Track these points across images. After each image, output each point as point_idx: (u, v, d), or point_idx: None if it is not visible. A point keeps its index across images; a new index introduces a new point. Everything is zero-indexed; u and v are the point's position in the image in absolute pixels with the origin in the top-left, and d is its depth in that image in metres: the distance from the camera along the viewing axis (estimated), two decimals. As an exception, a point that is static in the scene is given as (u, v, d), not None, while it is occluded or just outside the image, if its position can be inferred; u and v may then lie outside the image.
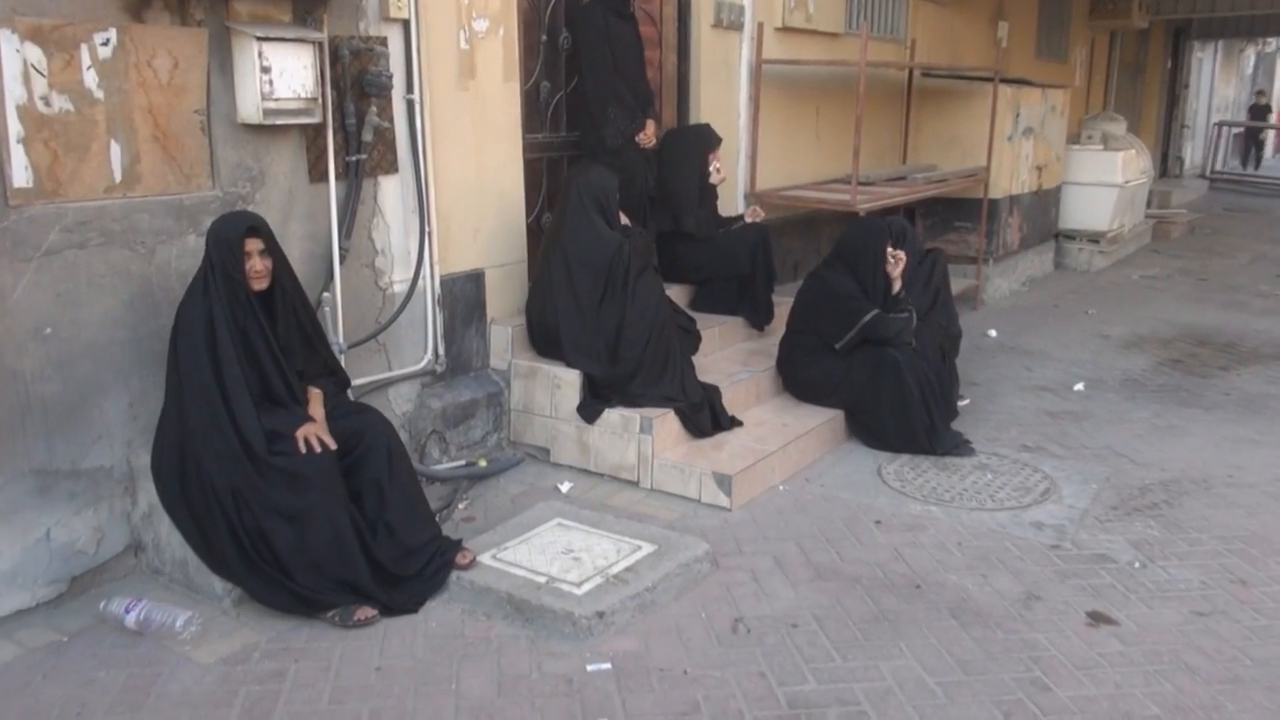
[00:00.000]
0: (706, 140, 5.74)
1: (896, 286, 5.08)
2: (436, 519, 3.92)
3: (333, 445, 3.39)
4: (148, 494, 3.53)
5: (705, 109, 6.19)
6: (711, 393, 4.78)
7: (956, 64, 8.90)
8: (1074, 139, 10.37)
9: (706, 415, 4.70)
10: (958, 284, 7.41)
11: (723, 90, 6.37)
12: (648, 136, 5.37)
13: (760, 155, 6.61)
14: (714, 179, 5.72)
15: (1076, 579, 3.73)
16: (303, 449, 3.33)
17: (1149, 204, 12.23)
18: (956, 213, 8.44)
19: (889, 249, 5.07)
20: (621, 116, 5.23)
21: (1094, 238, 10.10)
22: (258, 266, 3.36)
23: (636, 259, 4.63)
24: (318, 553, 3.29)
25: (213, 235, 3.37)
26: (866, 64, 6.15)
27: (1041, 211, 9.44)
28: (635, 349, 4.55)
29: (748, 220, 5.89)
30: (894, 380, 4.89)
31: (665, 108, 6.07)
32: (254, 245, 3.36)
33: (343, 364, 4.05)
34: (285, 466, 3.28)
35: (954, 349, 5.43)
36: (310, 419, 3.42)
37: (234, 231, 3.34)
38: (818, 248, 7.47)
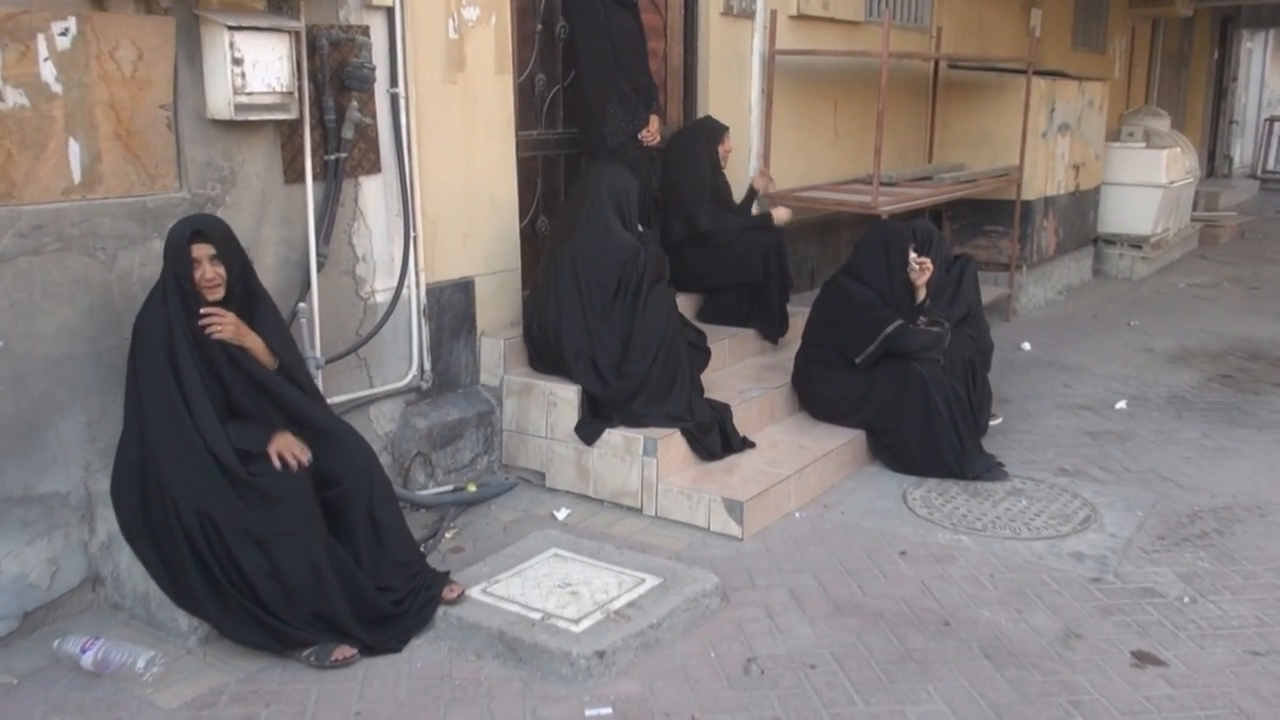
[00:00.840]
0: (712, 131, 5.75)
1: (921, 296, 5.07)
2: (422, 549, 3.90)
3: (307, 457, 3.38)
4: (107, 522, 3.51)
5: (714, 104, 6.20)
6: (721, 412, 4.77)
7: (986, 55, 8.92)
8: (1114, 136, 10.37)
9: (716, 436, 4.68)
10: (988, 293, 7.40)
11: (733, 83, 6.38)
12: (651, 134, 5.37)
13: (774, 154, 6.61)
14: (725, 161, 5.79)
15: (1120, 615, 3.71)
16: (276, 464, 3.32)
17: (1195, 206, 12.23)
18: (987, 216, 8.43)
19: (912, 255, 5.06)
20: (622, 112, 5.24)
21: (1136, 243, 10.09)
22: (208, 274, 3.34)
23: (652, 267, 4.64)
24: (292, 582, 3.27)
25: (166, 241, 3.39)
26: (889, 55, 6.16)
27: (1079, 214, 9.44)
28: (642, 363, 4.55)
29: (755, 187, 5.94)
30: (920, 398, 4.87)
31: (670, 103, 6.08)
32: (202, 251, 3.34)
33: (319, 381, 4.05)
34: (257, 486, 3.27)
35: (985, 364, 5.41)
36: (280, 430, 3.41)
37: (178, 237, 3.35)
38: (836, 253, 7.47)
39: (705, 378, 5.00)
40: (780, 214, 5.89)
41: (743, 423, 4.91)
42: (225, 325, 3.36)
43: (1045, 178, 8.54)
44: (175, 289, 3.32)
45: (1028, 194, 8.31)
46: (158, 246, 3.61)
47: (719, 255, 5.68)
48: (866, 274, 5.11)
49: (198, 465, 3.24)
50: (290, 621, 3.28)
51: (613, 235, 4.64)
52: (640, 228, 4.88)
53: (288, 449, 3.37)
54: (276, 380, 3.47)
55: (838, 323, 5.08)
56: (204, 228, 3.36)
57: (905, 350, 4.92)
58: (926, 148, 8.55)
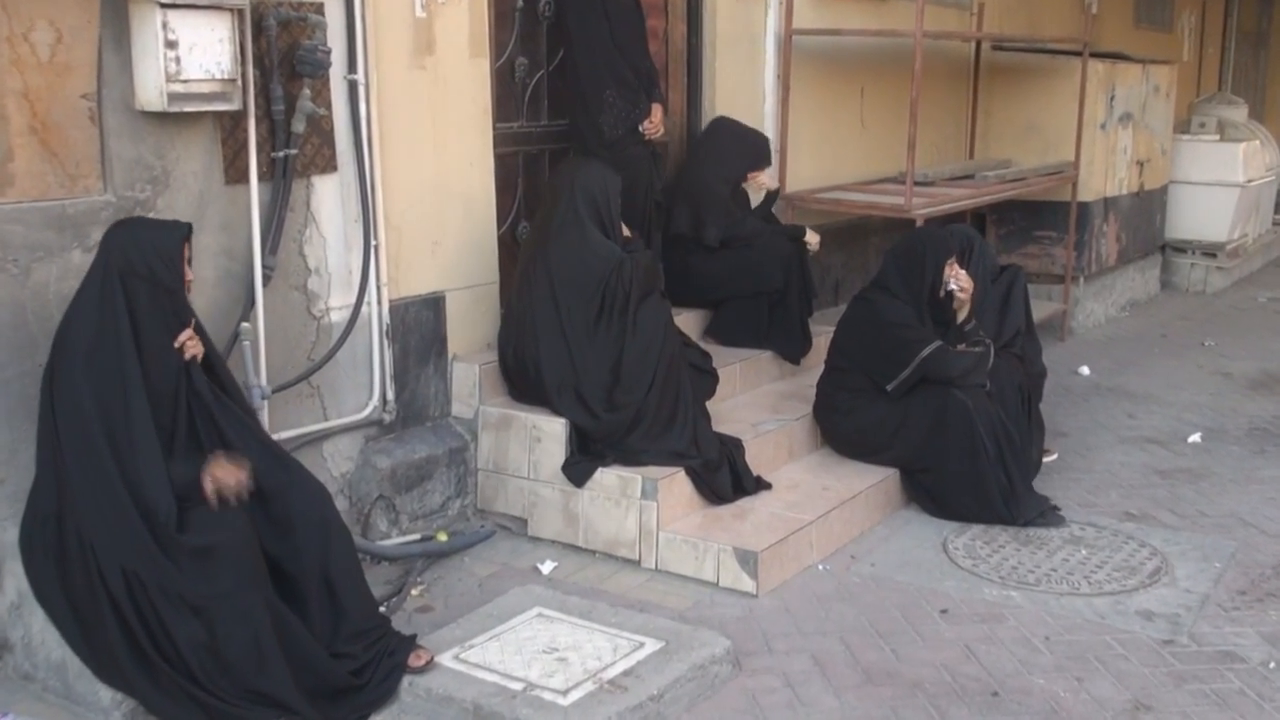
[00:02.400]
0: (756, 155, 5.84)
1: (963, 315, 5.07)
2: (384, 609, 3.88)
3: (246, 478, 3.37)
4: (16, 579, 3.48)
5: (721, 92, 6.22)
6: (732, 448, 4.76)
7: (1035, 35, 8.96)
8: (1183, 127, 10.41)
9: (725, 476, 4.68)
10: (1041, 309, 7.41)
11: (744, 68, 6.40)
12: (654, 125, 5.38)
13: (791, 149, 6.63)
14: (752, 190, 5.84)
15: (1196, 683, 3.69)
16: (213, 501, 3.30)
17: (1277, 208, 12.26)
18: (1038, 220, 8.45)
19: (952, 266, 5.06)
20: (622, 100, 5.25)
21: (1210, 250, 10.11)
22: (189, 275, 3.44)
23: (640, 280, 4.62)
24: (231, 655, 3.25)
25: (135, 245, 3.36)
26: (924, 34, 6.18)
27: (1144, 218, 9.46)
28: (636, 392, 4.53)
29: (768, 189, 6.00)
30: (962, 431, 4.87)
31: (671, 90, 6.10)
32: (186, 253, 3.44)
33: (264, 414, 4.04)
34: (193, 543, 3.24)
35: (1037, 391, 5.41)
36: (215, 459, 3.39)
37: (170, 237, 3.40)
38: (864, 264, 7.48)
39: (713, 407, 4.99)
40: (813, 239, 5.89)
41: (757, 460, 4.89)
42: (196, 341, 3.41)
43: (1104, 176, 8.57)
44: (152, 301, 3.33)
45: (1084, 194, 8.33)
46: (79, 258, 3.61)
47: (730, 261, 5.67)
48: (900, 288, 5.11)
49: (125, 515, 3.22)
50: (229, 699, 3.26)
51: (590, 245, 4.63)
52: (626, 232, 4.87)
53: (226, 477, 3.35)
54: (228, 408, 3.48)
55: (867, 344, 5.08)
56: (189, 227, 3.46)
57: (945, 376, 4.92)
58: (967, 141, 8.57)
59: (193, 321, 3.45)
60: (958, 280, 5.04)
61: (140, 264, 3.34)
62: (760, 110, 6.54)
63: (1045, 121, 8.42)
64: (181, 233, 3.45)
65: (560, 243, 4.65)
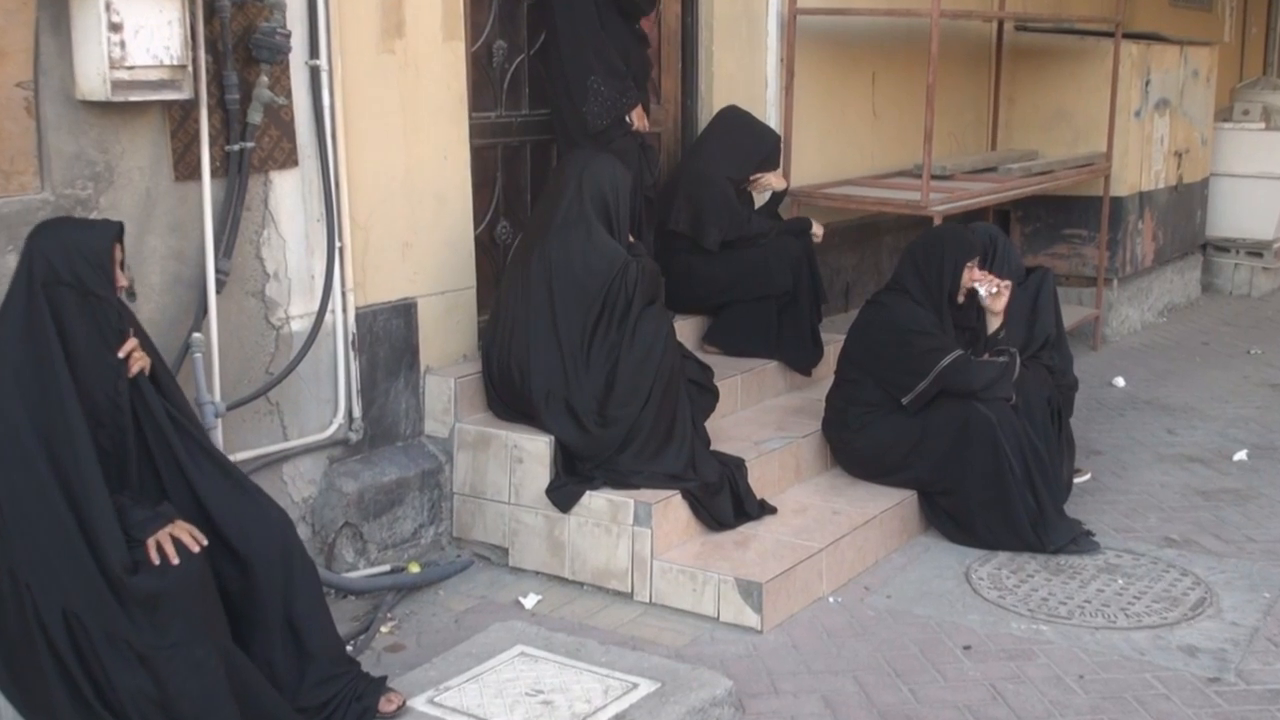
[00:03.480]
0: (768, 154, 5.86)
1: (994, 325, 5.08)
2: (350, 649, 3.87)
3: (201, 543, 3.34)
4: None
5: (720, 77, 6.24)
6: (733, 468, 4.77)
7: (1063, 14, 8.99)
8: (1225, 115, 10.45)
9: (726, 499, 4.68)
10: (1071, 314, 7.42)
11: (743, 51, 6.42)
12: (640, 118, 5.40)
13: (796, 140, 6.64)
14: (756, 191, 5.88)
15: (1246, 726, 3.70)
16: (155, 557, 3.25)
17: (1329, 202, 12.31)
18: (1067, 216, 8.48)
19: (973, 269, 5.07)
20: (608, 88, 5.26)
21: (1255, 249, 10.14)
22: (123, 280, 3.39)
23: (645, 287, 4.64)
24: (181, 711, 3.21)
25: (59, 250, 3.32)
26: (940, 14, 6.20)
27: (1183, 214, 9.49)
28: (630, 407, 4.55)
29: (775, 187, 6.00)
30: (986, 448, 4.87)
31: (664, 75, 6.12)
32: (119, 255, 3.39)
33: (218, 434, 4.03)
34: (142, 587, 3.21)
35: (1068, 405, 5.42)
36: (176, 524, 3.35)
37: (98, 237, 3.35)
38: (877, 266, 7.49)
39: (713, 424, 5.01)
40: (818, 229, 5.92)
41: (761, 482, 4.90)
42: (143, 354, 3.37)
43: (1139, 168, 8.59)
44: (82, 311, 3.29)
45: (1118, 189, 8.35)
46: (14, 262, 3.59)
47: (734, 262, 5.68)
48: (917, 291, 5.12)
49: (68, 552, 3.19)
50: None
51: (595, 244, 4.65)
52: (630, 238, 4.90)
53: (170, 534, 3.29)
54: (182, 427, 3.45)
55: (881, 353, 5.09)
56: (120, 226, 3.40)
57: (967, 389, 4.93)
58: (989, 131, 8.60)
59: (131, 331, 3.41)
60: (989, 284, 5.04)
61: (65, 270, 3.29)
62: (762, 97, 6.55)
63: (1074, 109, 8.45)
64: (111, 232, 3.40)
65: (563, 240, 4.66)
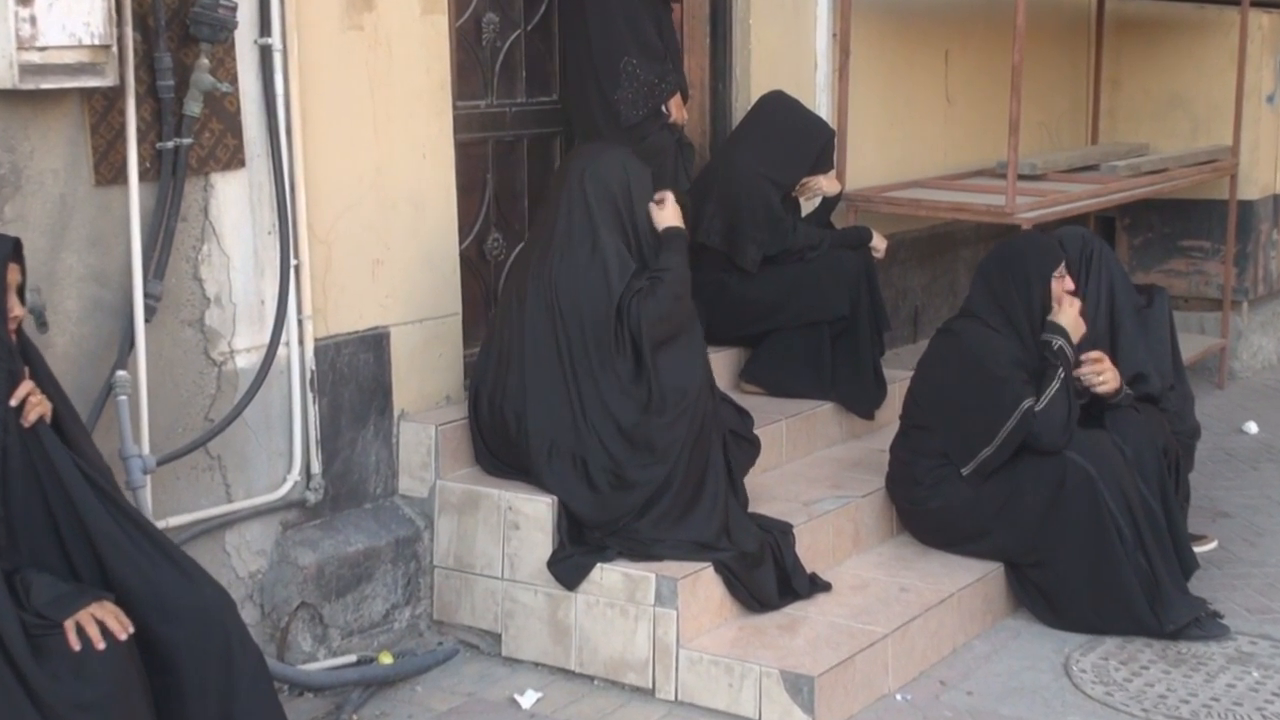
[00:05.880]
0: (820, 153, 5.86)
1: (1108, 385, 4.99)
2: (308, 758, 3.89)
3: (127, 629, 3.34)
4: None
5: (758, 57, 6.25)
6: (777, 535, 4.76)
7: (1177, -23, 9.02)
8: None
9: (769, 573, 4.68)
10: (1191, 344, 7.42)
11: (787, 26, 6.44)
12: (678, 109, 5.41)
13: (852, 133, 6.66)
14: (803, 197, 5.92)
15: None
16: (75, 643, 3.26)
17: None
18: (1185, 225, 8.46)
19: (1064, 279, 5.07)
20: (645, 71, 5.27)
21: None
22: (16, 310, 3.38)
23: (652, 326, 4.61)
24: None
25: None
26: (1028, -21, 6.24)
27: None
28: (659, 467, 4.54)
29: (827, 191, 6.00)
30: (1086, 509, 4.85)
31: (689, 54, 6.14)
32: (14, 278, 3.38)
33: (146, 494, 4.04)
34: (57, 698, 3.19)
35: (1187, 456, 5.40)
36: (99, 597, 3.36)
37: None
38: (952, 286, 7.50)
39: (752, 481, 5.00)
40: (880, 243, 5.92)
41: (812, 552, 4.89)
42: (41, 399, 3.35)
43: (1274, 166, 8.57)
44: None
45: (1247, 191, 8.34)
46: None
47: (779, 280, 5.68)
48: (994, 316, 5.11)
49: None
50: None
51: (606, 260, 4.64)
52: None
53: (103, 618, 3.29)
54: (95, 485, 3.44)
55: (955, 397, 5.06)
56: (16, 244, 3.40)
57: (1045, 445, 4.87)
58: (1088, 121, 8.61)
59: (26, 372, 3.39)
60: (1091, 369, 5.00)
61: None
62: (811, 81, 6.58)
63: (1193, 94, 8.46)
64: (3, 252, 3.39)
65: (567, 255, 4.66)
